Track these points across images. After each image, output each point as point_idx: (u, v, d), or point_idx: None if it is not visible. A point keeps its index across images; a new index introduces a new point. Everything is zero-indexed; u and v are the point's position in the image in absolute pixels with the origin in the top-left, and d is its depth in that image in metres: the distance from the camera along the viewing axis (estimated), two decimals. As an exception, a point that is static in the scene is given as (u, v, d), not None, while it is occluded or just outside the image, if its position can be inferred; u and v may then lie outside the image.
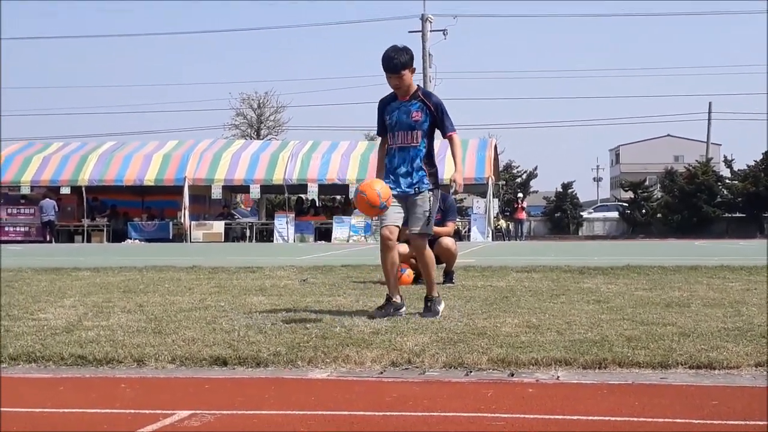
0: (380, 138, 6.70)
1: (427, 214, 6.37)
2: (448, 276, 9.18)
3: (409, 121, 6.35)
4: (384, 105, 6.51)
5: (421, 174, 6.38)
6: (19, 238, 30.20)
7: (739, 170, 42.49)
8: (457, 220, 25.60)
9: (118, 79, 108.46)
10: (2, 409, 3.60)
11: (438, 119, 6.42)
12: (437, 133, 6.56)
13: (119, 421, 3.46)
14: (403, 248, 8.04)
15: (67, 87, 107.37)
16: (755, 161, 41.92)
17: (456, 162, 6.50)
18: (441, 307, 6.32)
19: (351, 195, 31.55)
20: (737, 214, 41.53)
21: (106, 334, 5.43)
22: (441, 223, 8.97)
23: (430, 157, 6.46)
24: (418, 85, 6.52)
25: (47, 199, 30.26)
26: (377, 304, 6.85)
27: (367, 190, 6.11)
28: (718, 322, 5.74)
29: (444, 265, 9.24)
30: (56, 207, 30.24)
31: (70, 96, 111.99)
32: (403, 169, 6.37)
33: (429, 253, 6.54)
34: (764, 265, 10.97)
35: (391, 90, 6.46)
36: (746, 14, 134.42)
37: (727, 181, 42.64)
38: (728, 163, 43.41)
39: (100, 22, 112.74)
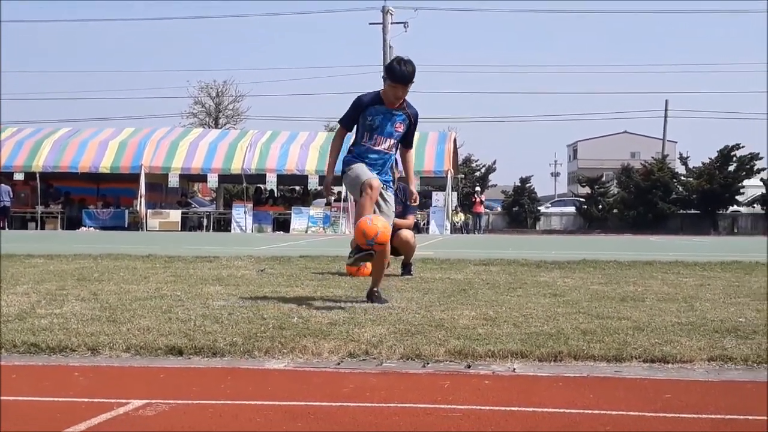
0: (341, 128, 6.66)
1: (392, 210, 6.68)
2: (407, 268, 9.19)
3: (392, 130, 6.46)
4: (367, 105, 6.41)
5: (389, 176, 6.65)
6: (-28, 225, 29.72)
7: (694, 167, 43.01)
8: (417, 213, 25.73)
9: (74, 64, 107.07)
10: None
11: (411, 130, 6.59)
12: None
13: (73, 409, 3.41)
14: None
15: (19, 71, 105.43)
16: (710, 159, 42.48)
17: (410, 176, 6.87)
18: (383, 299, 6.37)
19: (310, 186, 31.51)
20: (692, 211, 42.10)
21: (60, 322, 5.36)
22: (402, 215, 9.01)
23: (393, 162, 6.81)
24: None
25: (2, 184, 29.76)
26: (335, 295, 6.86)
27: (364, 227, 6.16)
28: (672, 316, 5.82)
29: (402, 257, 9.26)
30: (11, 192, 29.77)
31: (23, 81, 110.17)
32: (376, 170, 6.45)
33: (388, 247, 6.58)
34: (717, 261, 11.16)
35: (371, 92, 6.45)
36: (704, 14, 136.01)
37: (683, 178, 43.16)
38: (683, 160, 43.91)
39: (55, 7, 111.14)
